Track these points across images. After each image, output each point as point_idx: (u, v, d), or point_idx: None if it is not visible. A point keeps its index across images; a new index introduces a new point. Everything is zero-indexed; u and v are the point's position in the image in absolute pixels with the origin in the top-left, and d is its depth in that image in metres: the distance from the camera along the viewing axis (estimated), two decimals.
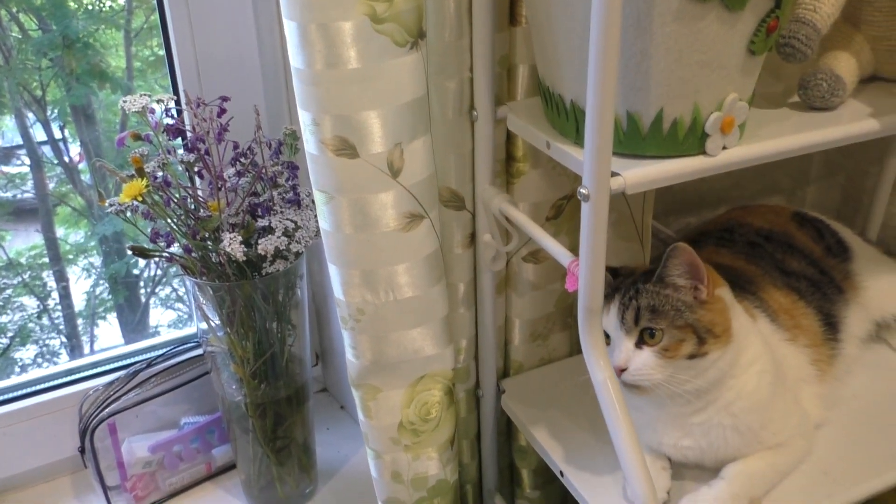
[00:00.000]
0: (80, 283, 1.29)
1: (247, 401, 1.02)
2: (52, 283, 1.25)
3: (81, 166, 1.23)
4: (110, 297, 1.31)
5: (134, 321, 1.35)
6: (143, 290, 1.35)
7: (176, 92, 1.08)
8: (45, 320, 1.26)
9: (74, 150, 1.23)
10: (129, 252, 0.91)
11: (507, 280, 1.04)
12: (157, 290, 1.38)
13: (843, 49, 0.85)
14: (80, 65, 1.14)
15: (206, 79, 1.05)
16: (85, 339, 1.33)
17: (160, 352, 1.13)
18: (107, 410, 1.05)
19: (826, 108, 0.82)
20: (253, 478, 1.09)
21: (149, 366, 1.10)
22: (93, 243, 1.27)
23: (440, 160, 0.90)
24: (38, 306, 1.26)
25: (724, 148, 0.74)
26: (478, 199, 0.93)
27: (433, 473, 0.98)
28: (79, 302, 1.29)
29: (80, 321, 1.30)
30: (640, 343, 0.79)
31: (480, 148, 0.90)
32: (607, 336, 0.81)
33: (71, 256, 1.28)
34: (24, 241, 1.24)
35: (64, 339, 1.29)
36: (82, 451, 1.07)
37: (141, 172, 0.85)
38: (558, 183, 0.98)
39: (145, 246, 0.92)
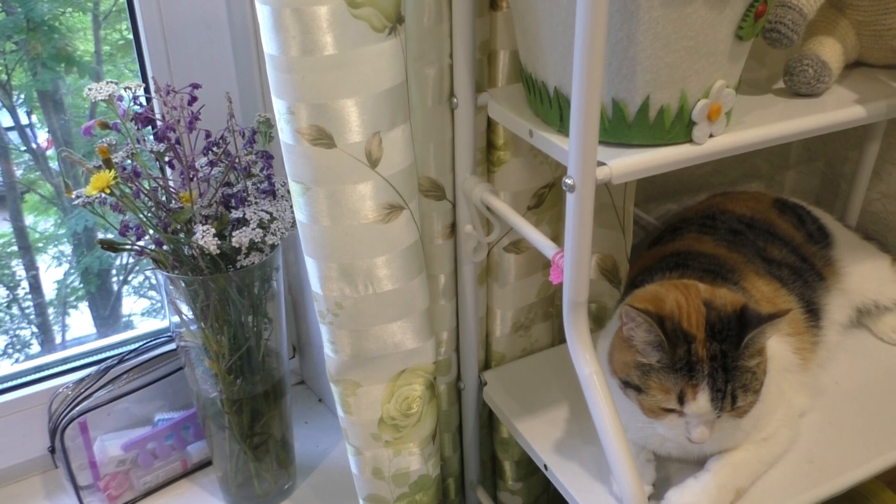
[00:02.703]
0: (51, 272, 1.26)
1: (222, 397, 0.99)
2: (21, 271, 1.21)
3: (50, 153, 1.19)
4: (82, 286, 1.27)
5: (106, 310, 1.31)
6: (115, 279, 1.32)
7: (145, 79, 1.05)
8: (14, 310, 1.22)
9: (43, 136, 1.19)
10: (99, 246, 0.88)
11: (489, 270, 1.02)
12: (129, 279, 1.34)
13: (829, 34, 0.84)
14: (46, 49, 1.10)
15: (176, 65, 1.01)
16: (56, 328, 1.29)
17: (131, 347, 1.09)
18: (77, 409, 1.02)
19: (811, 95, 0.81)
20: (230, 475, 1.07)
21: (120, 362, 1.07)
22: (62, 231, 1.23)
23: (420, 149, 0.87)
24: (7, 296, 1.22)
25: (711, 136, 0.73)
26: (458, 189, 0.91)
27: (415, 469, 0.96)
28: (49, 291, 1.26)
29: (51, 310, 1.27)
30: None
31: (461, 136, 0.88)
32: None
33: (41, 245, 1.24)
34: None
35: (35, 329, 1.26)
36: (52, 450, 1.04)
37: (108, 163, 0.81)
38: (540, 171, 0.96)
39: (115, 239, 0.89)
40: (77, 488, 1.04)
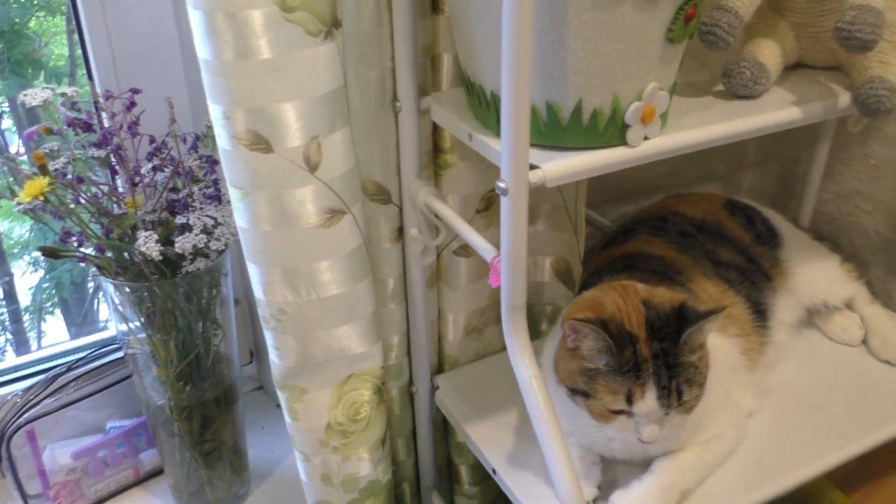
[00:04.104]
0: (28, 278, 1.25)
1: (171, 403, 0.99)
2: None
3: (22, 159, 1.18)
4: (53, 291, 1.26)
5: (80, 317, 1.30)
6: (91, 285, 1.31)
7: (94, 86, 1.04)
8: None
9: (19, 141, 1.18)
10: (40, 254, 0.87)
11: (439, 274, 1.02)
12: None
13: (767, 36, 0.84)
14: (13, 54, 1.09)
15: (124, 72, 1.00)
16: (32, 335, 1.28)
17: (80, 355, 1.08)
18: (24, 417, 1.01)
19: (750, 97, 0.82)
20: (181, 482, 1.06)
21: (69, 370, 1.06)
22: (34, 235, 1.22)
23: (364, 153, 0.87)
24: None
25: (646, 138, 0.73)
26: (404, 193, 0.91)
27: (364, 474, 0.96)
28: (24, 297, 1.25)
29: (26, 317, 1.26)
30: None
31: (405, 140, 0.88)
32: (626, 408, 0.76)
33: (16, 251, 1.23)
34: None
35: (9, 336, 1.25)
36: None
37: (44, 170, 0.80)
38: (488, 174, 0.96)
39: (56, 246, 0.88)
40: (25, 497, 1.03)
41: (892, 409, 0.95)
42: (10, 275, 1.22)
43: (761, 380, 0.95)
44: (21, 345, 1.27)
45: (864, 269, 1.13)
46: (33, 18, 1.13)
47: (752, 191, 1.39)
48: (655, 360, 0.75)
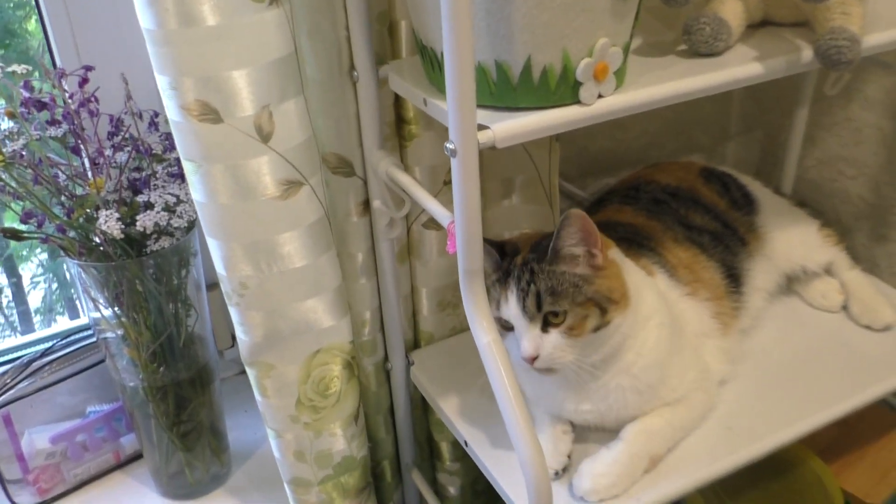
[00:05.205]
0: (36, 279, 1.25)
1: (144, 385, 0.98)
2: (3, 279, 1.21)
3: None
4: (58, 290, 1.26)
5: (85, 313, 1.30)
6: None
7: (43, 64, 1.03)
8: None
9: None
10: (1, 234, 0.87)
11: (410, 248, 1.01)
12: None
13: None
14: (7, 53, 1.09)
15: (85, 51, 0.99)
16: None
17: (54, 342, 1.08)
18: None
19: (712, 54, 0.80)
20: (160, 464, 1.05)
21: (43, 355, 1.05)
22: None
23: (324, 124, 0.86)
24: None
25: (601, 97, 0.71)
26: (367, 165, 0.90)
27: (338, 450, 0.95)
28: (34, 297, 1.25)
29: (37, 318, 1.26)
30: (545, 326, 0.77)
31: (365, 110, 0.87)
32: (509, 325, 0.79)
33: (24, 253, 1.24)
34: None
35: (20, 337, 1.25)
36: None
37: None
38: None
39: (17, 227, 0.87)
40: (3, 482, 1.03)
41: (871, 373, 0.94)
42: (19, 276, 1.22)
43: (735, 345, 0.94)
44: None
45: (843, 235, 1.11)
46: (32, 21, 1.12)
47: (736, 161, 1.37)
48: (523, 266, 0.77)
